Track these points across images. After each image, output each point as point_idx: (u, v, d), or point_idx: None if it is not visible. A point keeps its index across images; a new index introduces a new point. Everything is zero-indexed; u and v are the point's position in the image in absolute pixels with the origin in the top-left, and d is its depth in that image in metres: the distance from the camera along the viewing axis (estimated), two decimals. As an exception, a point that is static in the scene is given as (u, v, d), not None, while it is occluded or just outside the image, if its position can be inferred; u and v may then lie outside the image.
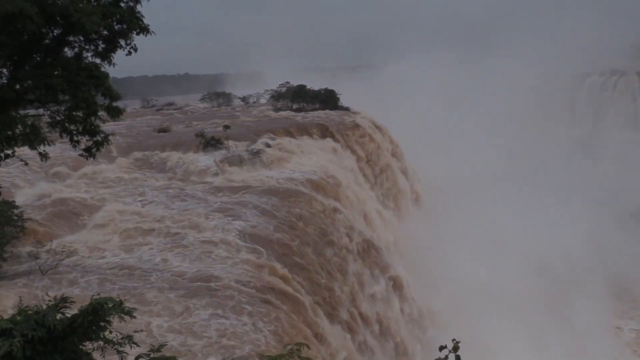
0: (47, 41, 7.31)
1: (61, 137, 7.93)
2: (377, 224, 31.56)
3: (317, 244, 21.24)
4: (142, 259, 16.17)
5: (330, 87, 50.29)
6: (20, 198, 19.79)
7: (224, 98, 68.79)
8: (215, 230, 18.24)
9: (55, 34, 7.32)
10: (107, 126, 8.11)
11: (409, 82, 75.24)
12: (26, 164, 8.39)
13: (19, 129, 7.03)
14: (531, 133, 69.60)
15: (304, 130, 36.39)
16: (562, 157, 65.38)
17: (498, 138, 63.36)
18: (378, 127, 43.66)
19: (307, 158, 30.80)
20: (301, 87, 50.17)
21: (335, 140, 36.56)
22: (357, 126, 40.67)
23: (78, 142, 7.98)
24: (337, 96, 48.79)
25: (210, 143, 30.85)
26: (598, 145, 76.26)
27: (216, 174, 26.65)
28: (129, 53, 7.83)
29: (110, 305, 5.25)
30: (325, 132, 37.07)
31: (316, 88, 50.04)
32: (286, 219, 20.59)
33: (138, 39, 7.96)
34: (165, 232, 18.11)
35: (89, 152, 8.10)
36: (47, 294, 5.82)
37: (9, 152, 7.25)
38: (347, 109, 46.99)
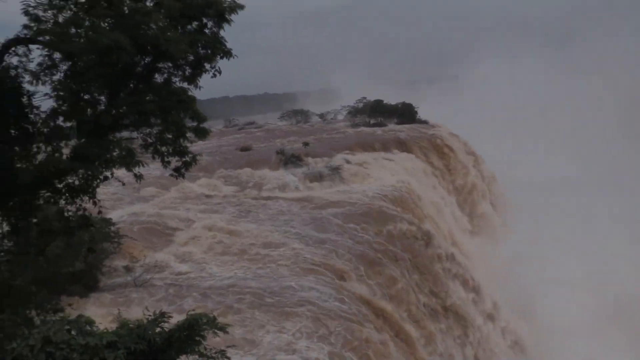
0: (139, 69, 7.80)
1: (153, 158, 8.42)
2: (462, 244, 30.68)
3: (409, 266, 21.04)
4: (234, 276, 16.66)
5: (407, 101, 49.91)
6: (116, 216, 21.09)
7: (302, 115, 70.03)
8: (303, 247, 18.48)
9: (146, 62, 7.81)
10: (194, 146, 8.50)
11: (490, 90, 73.19)
12: (123, 184, 8.94)
13: (116, 152, 7.53)
14: (618, 149, 64.88)
15: (382, 145, 36.28)
16: None
17: (585, 152, 59.95)
18: (458, 140, 42.70)
19: (387, 173, 30.63)
20: (378, 102, 50.15)
21: (415, 154, 36.13)
22: (436, 140, 39.99)
23: (169, 162, 8.43)
24: (415, 110, 48.29)
25: (290, 160, 31.48)
26: None
27: (297, 190, 27.13)
28: (214, 76, 8.21)
29: (205, 321, 5.46)
30: (404, 146, 36.75)
31: (393, 102, 49.82)
32: (373, 238, 20.51)
33: (221, 62, 8.34)
34: (251, 249, 18.58)
35: (178, 172, 8.52)
36: (146, 309, 6.17)
37: (108, 174, 7.78)
38: (425, 122, 46.39)
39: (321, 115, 66.64)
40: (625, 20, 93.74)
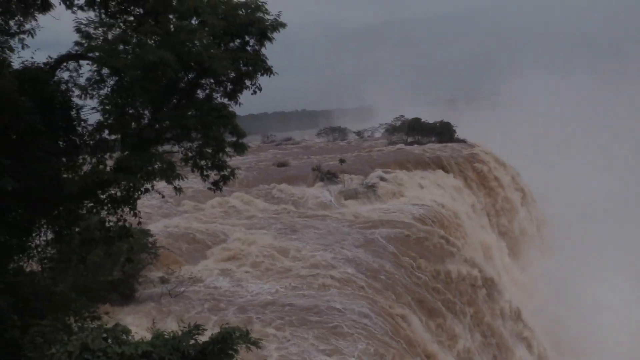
0: (182, 85, 8.01)
1: (192, 171, 8.59)
2: (500, 266, 29.98)
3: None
4: (267, 291, 16.70)
5: (445, 119, 49.52)
6: (155, 227, 21.50)
7: (340, 132, 70.33)
8: (339, 265, 18.39)
9: (189, 78, 8.02)
10: (232, 161, 8.62)
11: (532, 107, 71.85)
12: (163, 196, 9.13)
13: (157, 165, 7.71)
14: None
15: (419, 163, 35.99)
16: None
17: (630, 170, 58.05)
18: (497, 160, 42.00)
19: (424, 192, 30.34)
20: (416, 120, 49.90)
21: (453, 174, 35.70)
22: (474, 159, 39.43)
23: (207, 176, 8.58)
24: (453, 128, 47.82)
25: (326, 176, 31.55)
26: None
27: (333, 207, 27.12)
28: (255, 92, 8.35)
29: (238, 335, 5.50)
30: (441, 165, 36.36)
31: (431, 121, 49.50)
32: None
33: (261, 79, 8.48)
34: (288, 264, 18.62)
35: (216, 186, 8.66)
36: (181, 320, 6.25)
37: (149, 186, 7.97)
38: (463, 141, 45.86)
39: (358, 133, 66.79)
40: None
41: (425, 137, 48.45)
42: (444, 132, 47.54)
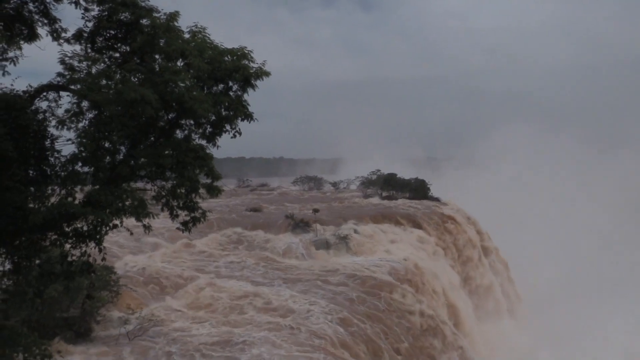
0: (161, 123, 8.03)
1: (162, 210, 8.50)
2: (470, 329, 29.86)
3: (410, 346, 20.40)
4: (226, 335, 16.26)
5: (420, 177, 50.25)
6: (119, 265, 20.98)
7: (315, 182, 70.68)
8: (301, 314, 18.09)
9: (169, 118, 8.05)
10: (204, 203, 8.57)
11: (507, 171, 73.74)
12: (132, 234, 8.96)
13: (128, 202, 7.61)
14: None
15: (392, 218, 36.16)
16: None
17: (603, 236, 59.59)
18: (470, 220, 42.51)
19: (395, 247, 30.34)
20: (391, 176, 50.49)
21: (424, 231, 35.90)
22: (447, 218, 39.84)
23: (177, 216, 8.50)
24: (428, 186, 48.48)
25: (299, 225, 31.41)
26: None
27: (303, 257, 26.88)
28: (234, 136, 8.42)
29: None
30: (414, 222, 36.59)
31: (406, 177, 50.17)
32: (375, 312, 20.06)
33: (241, 124, 8.56)
34: (249, 310, 18.24)
35: (185, 227, 8.57)
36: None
37: (117, 222, 7.83)
38: (437, 199, 46.42)
39: (334, 184, 67.20)
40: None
41: (399, 192, 48.93)
42: (418, 189, 48.10)
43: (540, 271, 47.47)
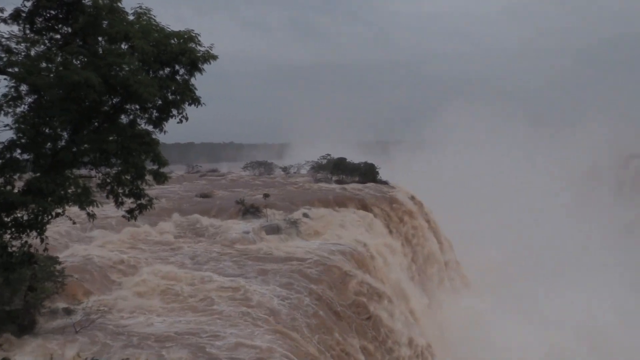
0: (105, 108, 7.80)
1: (107, 197, 8.28)
2: (416, 306, 30.71)
3: (358, 326, 20.79)
4: (174, 324, 16.12)
5: (370, 161, 50.87)
6: (63, 255, 20.33)
7: (266, 167, 70.38)
8: (249, 299, 18.12)
9: (114, 102, 7.82)
10: (153, 190, 8.43)
11: (456, 155, 75.65)
12: (74, 223, 8.71)
13: (71, 190, 7.38)
14: (584, 213, 68.17)
15: (342, 202, 36.55)
16: (609, 239, 63.31)
17: (549, 216, 62.44)
18: (417, 202, 43.47)
19: (345, 231, 30.73)
20: (341, 160, 50.87)
21: (373, 214, 36.48)
22: (395, 201, 40.60)
23: (122, 203, 8.31)
24: (377, 170, 49.16)
25: (249, 210, 31.31)
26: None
27: (253, 242, 26.83)
28: (180, 121, 8.27)
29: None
30: (363, 205, 37.11)
31: (356, 161, 50.68)
32: (324, 294, 20.31)
33: (189, 109, 8.42)
34: (199, 297, 18.12)
35: (131, 214, 8.39)
36: (78, 356, 5.90)
37: (60, 210, 7.58)
38: (385, 182, 47.18)
39: (284, 169, 67.10)
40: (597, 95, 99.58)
41: (349, 176, 49.41)
42: (367, 172, 48.70)
43: (485, 251, 49.28)
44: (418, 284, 36.08)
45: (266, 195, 33.69)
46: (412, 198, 43.70)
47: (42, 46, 7.19)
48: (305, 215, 31.71)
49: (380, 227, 35.22)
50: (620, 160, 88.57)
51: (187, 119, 8.28)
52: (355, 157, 52.90)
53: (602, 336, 37.72)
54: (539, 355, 32.93)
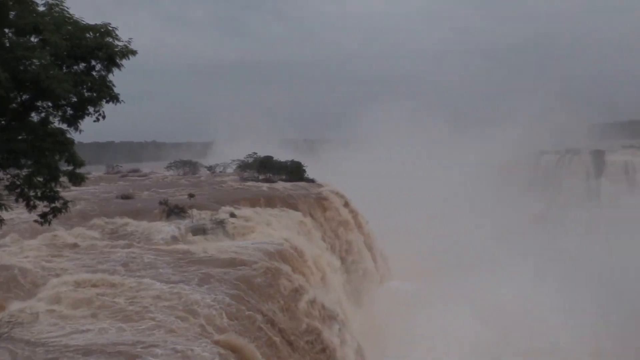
0: (14, 105, 7.29)
1: (17, 201, 7.76)
2: (344, 303, 31.15)
3: (285, 324, 20.69)
4: (94, 332, 15.36)
5: (297, 159, 51.05)
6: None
7: (191, 166, 68.84)
8: (174, 302, 17.58)
9: (23, 99, 7.33)
10: (69, 192, 7.98)
11: (381, 153, 77.56)
12: (-20, 228, 8.10)
13: (-25, 193, 6.86)
14: (499, 206, 72.07)
15: (269, 201, 36.42)
16: (524, 230, 67.32)
17: (467, 210, 65.35)
18: (343, 200, 44.08)
19: (272, 229, 30.61)
20: (268, 158, 50.71)
21: (301, 212, 36.61)
22: (322, 199, 40.95)
23: (35, 207, 7.82)
24: (304, 168, 49.39)
25: (174, 211, 30.47)
26: (555, 220, 79.42)
27: (178, 243, 26.12)
28: (97, 120, 7.88)
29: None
30: (290, 204, 37.15)
31: (283, 159, 50.68)
32: (249, 294, 20.07)
33: (107, 106, 8.04)
34: (120, 303, 17.37)
35: (44, 218, 7.92)
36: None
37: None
38: (312, 181, 47.51)
39: (210, 168, 65.93)
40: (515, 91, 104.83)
41: (276, 175, 49.34)
42: (294, 171, 48.84)
43: (409, 244, 50.83)
44: (349, 280, 36.63)
45: (191, 195, 32.93)
46: (339, 195, 44.27)
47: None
48: (232, 215, 31.30)
49: (308, 226, 35.40)
50: (532, 156, 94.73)
51: (104, 117, 7.91)
52: (282, 155, 52.96)
53: (512, 320, 40.10)
54: (459, 342, 34.45)
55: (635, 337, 42.40)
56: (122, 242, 25.78)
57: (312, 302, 23.78)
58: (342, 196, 44.52)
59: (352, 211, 44.49)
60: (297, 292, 23.22)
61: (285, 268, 24.16)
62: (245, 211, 32.44)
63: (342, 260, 38.85)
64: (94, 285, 18.33)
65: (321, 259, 31.99)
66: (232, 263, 22.63)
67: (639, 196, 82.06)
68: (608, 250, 60.36)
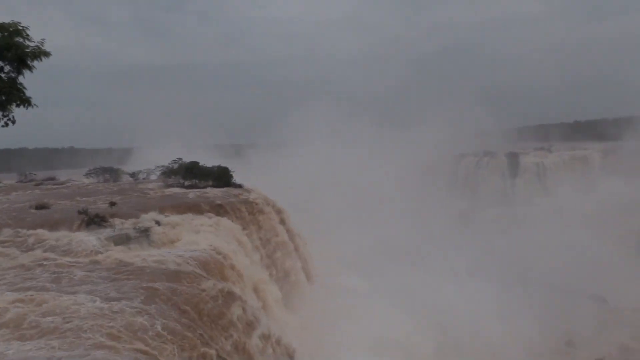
0: None
1: None
2: (274, 310, 30.97)
3: (213, 333, 20.23)
4: (12, 351, 14.34)
5: (223, 164, 50.29)
6: None
7: (112, 173, 66.10)
8: (95, 316, 16.77)
9: None
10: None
11: (310, 159, 78.07)
12: None
13: None
14: (424, 205, 74.65)
15: (195, 207, 35.64)
16: (449, 228, 70.17)
17: (394, 210, 67.12)
18: (272, 205, 43.94)
19: (200, 237, 29.93)
20: (194, 164, 49.61)
21: (228, 218, 36.09)
22: (250, 204, 40.61)
23: None
24: (231, 173, 48.76)
25: (94, 221, 29.12)
26: (476, 219, 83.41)
27: (99, 254, 24.95)
28: (6, 125, 7.39)
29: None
30: (218, 210, 36.54)
31: (210, 165, 49.77)
32: (176, 304, 19.49)
33: (18, 110, 7.55)
34: (45, 321, 16.34)
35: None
36: None
37: None
38: (240, 186, 47.01)
39: (132, 174, 63.59)
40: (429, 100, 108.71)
41: (202, 181, 48.36)
42: (221, 176, 48.04)
43: (337, 245, 51.50)
44: (277, 286, 36.45)
45: (113, 204, 31.63)
46: (267, 200, 44.07)
47: None
48: (157, 222, 30.32)
49: (237, 232, 34.95)
50: (453, 158, 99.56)
51: (14, 122, 7.43)
52: (208, 160, 51.96)
53: (445, 317, 41.63)
54: (389, 341, 35.25)
55: (556, 327, 45.29)
56: (34, 253, 24.30)
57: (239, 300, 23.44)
58: (269, 200, 44.36)
59: (281, 215, 44.42)
60: (229, 296, 22.81)
61: (214, 277, 23.70)
62: (171, 218, 31.53)
63: (271, 262, 38.69)
64: (22, 303, 17.17)
65: (248, 263, 31.69)
66: (153, 270, 21.94)
67: (550, 195, 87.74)
68: (525, 246, 64.10)
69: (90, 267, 22.78)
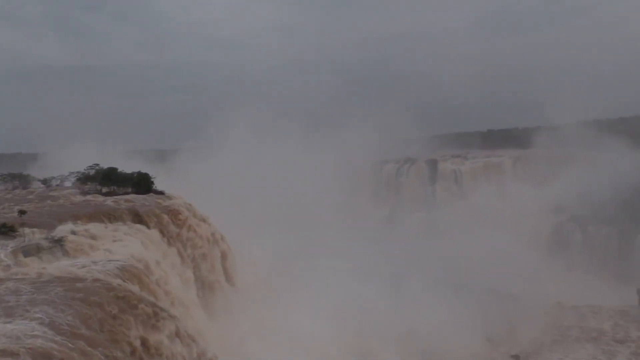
0: None
1: None
2: (193, 316, 30.22)
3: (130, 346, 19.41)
4: None
5: (144, 170, 48.58)
6: None
7: (21, 180, 61.89)
8: (20, 334, 15.60)
9: None
10: None
11: (231, 164, 77.04)
12: None
13: None
14: (350, 210, 75.79)
15: (113, 215, 34.16)
16: (373, 232, 71.68)
17: (321, 214, 67.60)
18: (193, 212, 42.98)
19: (118, 245, 28.71)
20: (112, 170, 47.57)
21: (148, 226, 34.90)
22: (171, 211, 39.50)
23: None
24: (152, 179, 47.19)
25: (1, 231, 27.19)
26: (399, 222, 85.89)
27: (7, 266, 23.28)
28: None
29: None
30: (137, 217, 35.23)
31: (129, 171, 47.91)
32: (90, 315, 18.52)
33: None
34: None
35: None
36: None
37: None
38: (161, 192, 45.62)
39: (44, 181, 59.90)
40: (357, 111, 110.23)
41: (121, 187, 46.46)
42: (141, 182, 46.35)
43: (260, 247, 51.17)
44: (201, 295, 35.65)
45: (22, 212, 29.70)
46: (189, 206, 43.07)
47: None
48: (72, 231, 28.73)
49: (156, 239, 33.85)
50: (376, 165, 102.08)
51: None
52: (129, 166, 49.97)
53: (369, 317, 42.44)
54: (313, 342, 35.55)
55: (475, 325, 47.31)
56: None
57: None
58: (190, 206, 43.33)
59: (204, 221, 43.50)
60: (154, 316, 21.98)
61: (134, 287, 22.78)
62: (87, 227, 30.00)
63: (194, 269, 37.84)
64: None
65: (168, 270, 30.78)
66: (66, 281, 20.79)
67: (466, 199, 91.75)
68: (444, 249, 66.59)
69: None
